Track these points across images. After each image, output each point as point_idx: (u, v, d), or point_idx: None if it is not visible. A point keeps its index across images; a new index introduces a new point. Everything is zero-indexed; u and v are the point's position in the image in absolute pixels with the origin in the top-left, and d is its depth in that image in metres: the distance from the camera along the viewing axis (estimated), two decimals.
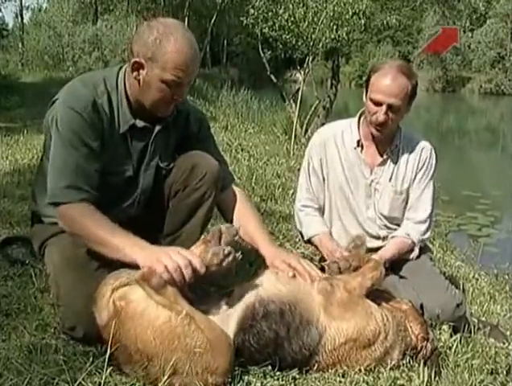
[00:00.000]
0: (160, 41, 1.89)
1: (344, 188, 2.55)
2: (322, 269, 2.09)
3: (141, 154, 2.11)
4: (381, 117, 2.34)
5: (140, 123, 2.05)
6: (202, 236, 1.88)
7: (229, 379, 1.71)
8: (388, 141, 2.50)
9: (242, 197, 2.29)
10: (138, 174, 2.12)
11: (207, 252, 1.79)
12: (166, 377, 1.63)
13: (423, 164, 2.52)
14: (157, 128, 2.09)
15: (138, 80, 1.96)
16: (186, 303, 1.71)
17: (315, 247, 2.64)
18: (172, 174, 2.18)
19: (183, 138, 2.23)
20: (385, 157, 2.51)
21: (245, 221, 2.19)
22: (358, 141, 2.52)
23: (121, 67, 2.08)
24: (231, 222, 2.24)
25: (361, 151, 2.52)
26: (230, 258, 1.76)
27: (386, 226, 2.56)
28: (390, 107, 2.33)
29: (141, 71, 1.94)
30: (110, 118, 2.00)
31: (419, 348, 1.94)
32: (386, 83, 2.32)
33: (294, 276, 1.95)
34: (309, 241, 2.65)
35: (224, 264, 1.76)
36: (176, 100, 2.03)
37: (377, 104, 2.34)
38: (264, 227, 2.27)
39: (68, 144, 1.91)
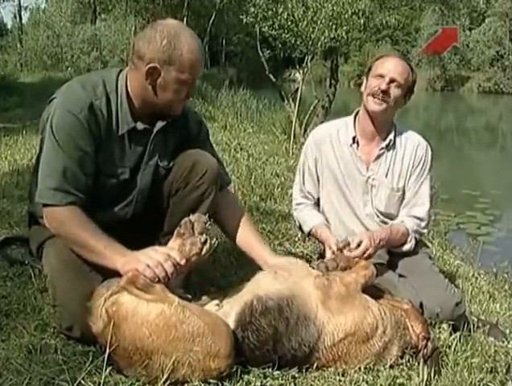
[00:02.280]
0: (175, 44, 1.91)
1: (341, 185, 2.57)
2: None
3: (139, 156, 2.11)
4: (383, 85, 2.40)
5: (140, 126, 2.06)
6: (175, 231, 1.90)
7: (232, 364, 1.72)
8: (383, 135, 2.53)
9: (235, 202, 2.33)
10: (135, 176, 2.12)
11: (184, 244, 1.84)
12: (166, 373, 1.63)
13: (419, 161, 2.54)
14: (156, 128, 2.09)
15: (153, 86, 1.97)
16: (175, 296, 1.74)
17: (316, 240, 2.66)
18: (172, 173, 2.18)
19: (183, 139, 2.23)
20: (380, 152, 2.53)
21: (240, 229, 2.23)
22: (354, 138, 2.54)
23: (120, 70, 2.08)
24: (225, 228, 2.28)
25: (357, 148, 2.54)
26: (208, 245, 1.85)
27: (383, 222, 2.57)
28: (392, 81, 2.41)
29: (156, 76, 1.94)
30: (108, 120, 2.00)
31: (419, 347, 1.94)
32: (391, 61, 2.46)
33: None
34: (310, 235, 2.66)
35: (203, 252, 1.84)
36: (189, 98, 2.08)
37: (381, 76, 2.43)
38: (259, 234, 2.32)
39: (59, 146, 1.91)
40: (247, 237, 2.23)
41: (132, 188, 2.14)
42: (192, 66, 1.96)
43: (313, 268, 2.07)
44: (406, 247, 2.51)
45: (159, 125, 2.10)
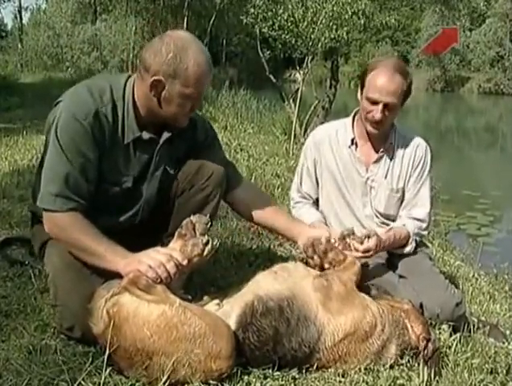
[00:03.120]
0: (180, 57, 1.89)
1: (340, 186, 2.57)
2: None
3: (145, 165, 2.10)
4: (377, 115, 2.36)
5: (146, 135, 2.05)
6: (176, 232, 1.91)
7: (233, 365, 1.72)
8: (382, 138, 2.53)
9: (258, 192, 2.38)
10: (138, 185, 2.11)
11: (186, 245, 1.84)
12: (166, 374, 1.63)
13: (419, 162, 2.54)
14: (162, 139, 2.09)
15: (158, 98, 1.96)
16: (177, 297, 1.74)
17: None
18: (178, 176, 2.19)
19: (190, 148, 2.23)
20: (380, 154, 2.53)
21: (273, 216, 2.31)
22: (353, 140, 2.54)
23: (129, 77, 2.07)
24: (251, 218, 2.34)
25: (356, 149, 2.54)
26: (209, 247, 1.85)
27: (383, 223, 2.57)
28: (386, 105, 2.36)
29: (161, 88, 1.93)
30: (113, 128, 1.99)
31: (420, 348, 1.94)
32: (383, 81, 2.35)
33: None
34: None
35: (205, 253, 1.84)
36: (194, 111, 2.08)
37: (374, 102, 2.37)
38: (291, 216, 2.40)
39: (63, 151, 1.90)
40: (280, 220, 2.30)
41: (137, 198, 2.13)
42: (198, 81, 1.93)
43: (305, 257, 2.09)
44: (407, 249, 2.50)
45: (165, 136, 2.09)
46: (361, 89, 2.46)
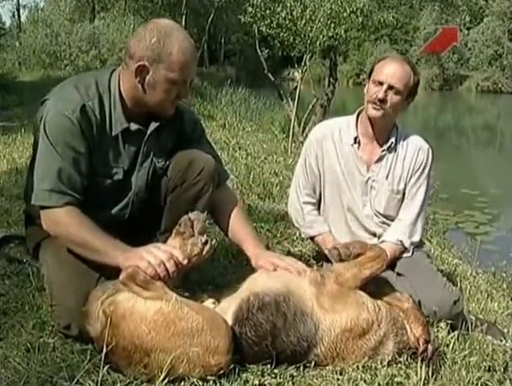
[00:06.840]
0: (164, 42, 1.90)
1: (341, 185, 2.57)
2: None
3: (133, 157, 2.10)
4: (381, 93, 2.40)
5: (134, 126, 2.04)
6: (174, 229, 1.91)
7: (231, 360, 1.72)
8: (384, 137, 2.53)
9: (233, 197, 2.33)
10: (129, 177, 2.11)
11: (185, 244, 1.84)
12: (165, 370, 1.63)
13: (420, 165, 2.54)
14: (150, 129, 2.09)
15: (142, 84, 1.96)
16: (174, 293, 1.74)
17: (318, 245, 2.67)
18: (169, 171, 2.18)
19: (179, 140, 2.22)
20: (381, 154, 2.52)
21: (234, 223, 2.23)
22: (355, 138, 2.53)
23: (113, 70, 2.07)
24: (219, 221, 2.30)
25: (358, 148, 2.54)
26: (208, 246, 1.84)
27: (383, 222, 2.57)
28: (390, 88, 2.40)
29: (145, 74, 1.93)
30: (101, 121, 1.99)
31: (420, 350, 1.92)
32: (391, 66, 2.44)
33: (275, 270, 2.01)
34: (311, 238, 2.70)
35: (204, 253, 1.83)
36: (181, 99, 2.06)
37: (379, 83, 2.41)
38: (252, 229, 2.30)
39: (53, 147, 1.90)
40: (237, 231, 2.22)
41: (127, 189, 2.13)
42: (182, 66, 1.94)
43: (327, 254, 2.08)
44: (405, 255, 2.52)
45: (153, 126, 2.09)
46: (369, 80, 2.50)
